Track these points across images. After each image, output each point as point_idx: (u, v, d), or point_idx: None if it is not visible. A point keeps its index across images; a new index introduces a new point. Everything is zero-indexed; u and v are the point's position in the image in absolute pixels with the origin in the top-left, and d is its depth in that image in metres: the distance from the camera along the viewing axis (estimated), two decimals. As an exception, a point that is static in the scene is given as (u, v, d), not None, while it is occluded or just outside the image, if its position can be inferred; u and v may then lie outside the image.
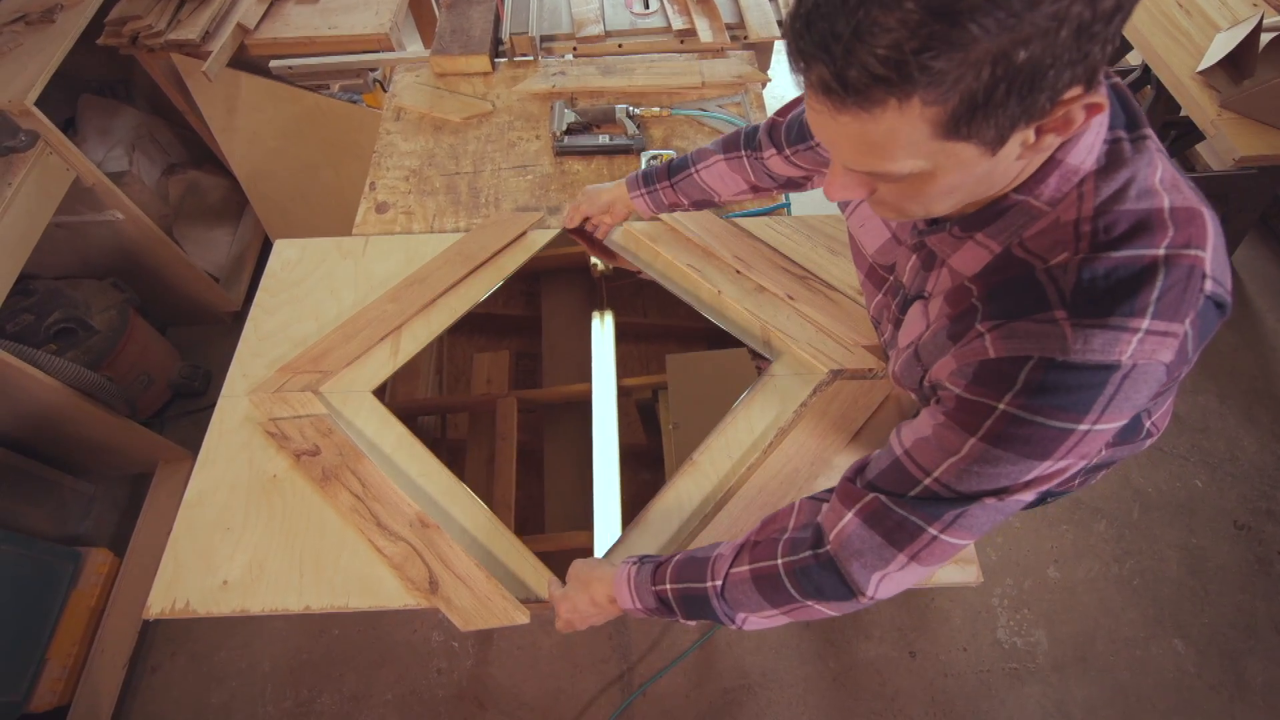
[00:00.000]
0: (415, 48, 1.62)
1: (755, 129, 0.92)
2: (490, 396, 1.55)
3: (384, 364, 1.00)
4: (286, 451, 0.91)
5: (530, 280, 1.07)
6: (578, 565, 0.79)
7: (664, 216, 1.13)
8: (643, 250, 1.12)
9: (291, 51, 1.60)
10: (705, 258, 1.10)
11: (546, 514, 0.90)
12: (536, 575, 0.84)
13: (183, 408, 1.97)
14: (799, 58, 0.43)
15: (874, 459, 0.63)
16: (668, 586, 0.69)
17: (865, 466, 0.64)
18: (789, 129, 0.86)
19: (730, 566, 0.67)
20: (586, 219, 1.12)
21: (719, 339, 1.77)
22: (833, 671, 1.56)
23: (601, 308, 1.15)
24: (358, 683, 1.56)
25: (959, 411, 0.55)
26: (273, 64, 1.56)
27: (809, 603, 0.63)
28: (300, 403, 0.95)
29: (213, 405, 0.98)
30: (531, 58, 1.47)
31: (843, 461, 0.88)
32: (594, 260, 1.17)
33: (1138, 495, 1.79)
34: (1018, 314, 0.52)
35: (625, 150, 1.28)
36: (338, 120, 1.72)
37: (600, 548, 0.89)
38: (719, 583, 0.67)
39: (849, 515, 0.61)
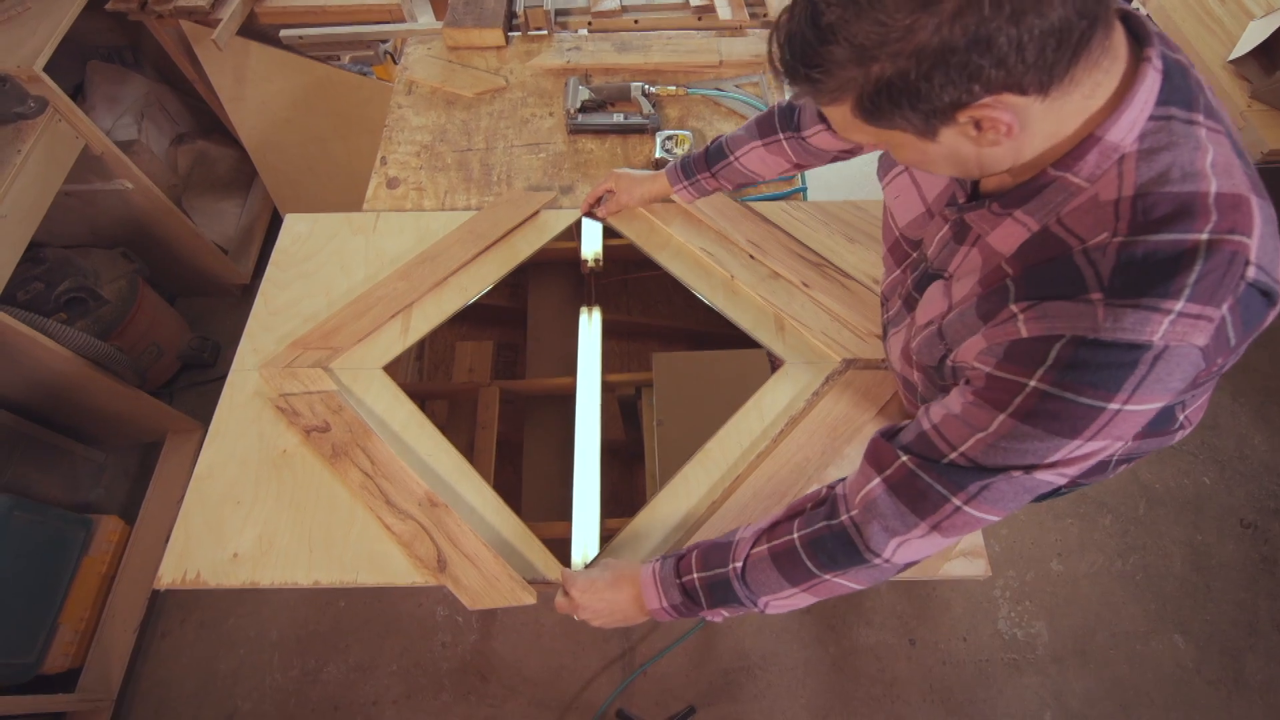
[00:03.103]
0: (427, 19, 1.59)
1: (792, 108, 0.89)
2: (472, 385, 1.56)
3: (394, 341, 1.00)
4: (296, 427, 0.91)
5: (516, 271, 1.07)
6: (611, 562, 0.79)
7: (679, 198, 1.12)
8: (655, 233, 1.11)
9: (302, 20, 1.57)
10: (719, 241, 1.08)
11: (523, 503, 0.91)
12: (544, 557, 0.84)
13: (191, 379, 1.98)
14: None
15: (904, 428, 0.64)
16: (693, 576, 0.69)
17: (897, 432, 0.64)
18: None
19: (751, 548, 0.67)
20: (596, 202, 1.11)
21: (702, 339, 1.78)
22: (832, 656, 1.58)
23: (590, 303, 1.15)
24: (363, 654, 1.58)
25: (989, 390, 0.55)
26: (283, 33, 1.54)
27: (827, 576, 0.63)
28: (311, 379, 0.95)
29: (221, 377, 0.98)
30: (546, 32, 1.44)
31: (854, 452, 0.88)
32: (585, 255, 1.16)
33: (1144, 490, 1.78)
34: (1052, 295, 0.51)
35: (640, 129, 1.26)
36: (348, 92, 1.70)
37: (578, 539, 0.89)
38: (739, 564, 0.67)
39: (876, 480, 0.61)
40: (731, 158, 0.96)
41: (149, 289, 1.81)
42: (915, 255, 0.73)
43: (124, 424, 1.72)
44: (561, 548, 0.86)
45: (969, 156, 0.51)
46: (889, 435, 0.64)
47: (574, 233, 1.15)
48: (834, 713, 1.52)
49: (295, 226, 1.13)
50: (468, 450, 0.92)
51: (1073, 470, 0.55)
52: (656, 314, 1.84)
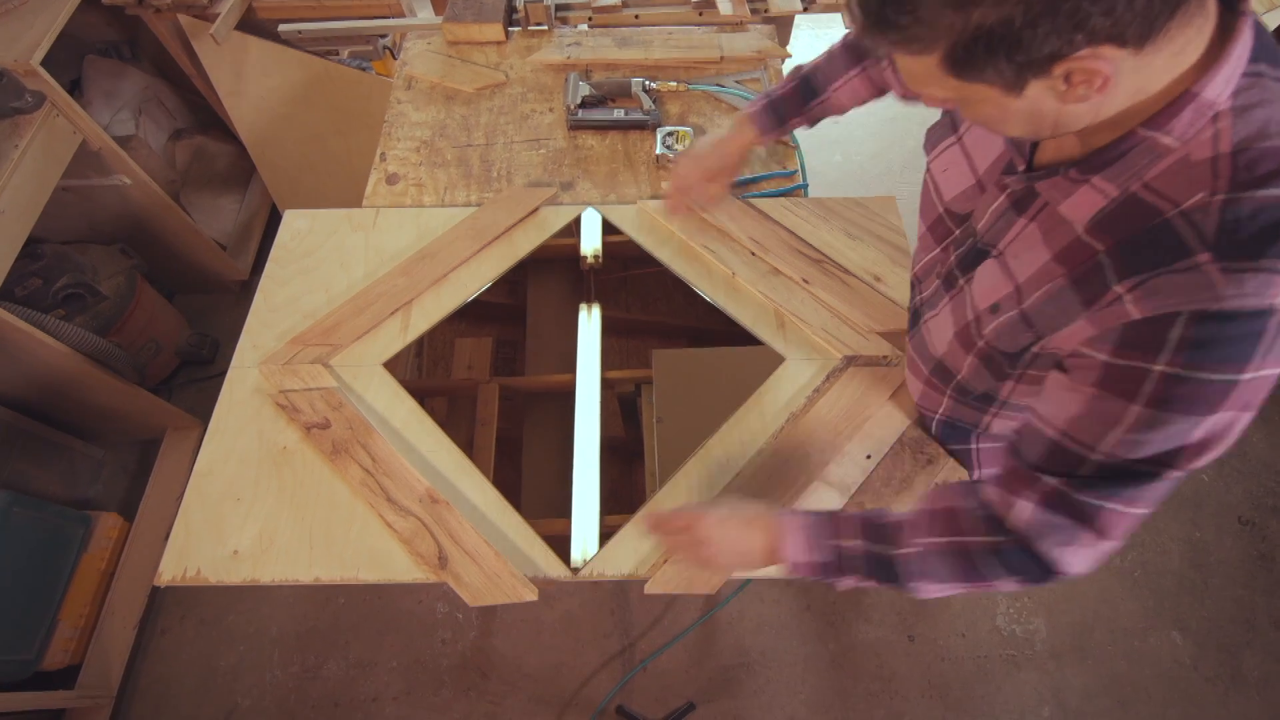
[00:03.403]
0: (426, 14, 1.58)
1: None
2: (471, 382, 1.56)
3: (395, 338, 1.00)
4: (297, 424, 0.91)
5: (515, 268, 1.07)
6: (735, 502, 0.75)
7: None
8: (656, 229, 1.11)
9: (300, 15, 1.56)
10: (720, 238, 1.08)
11: (523, 501, 0.90)
12: (545, 554, 0.84)
13: (190, 375, 1.97)
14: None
15: (1022, 443, 0.61)
16: (859, 543, 0.68)
17: (1017, 449, 0.62)
18: None
19: (919, 538, 0.66)
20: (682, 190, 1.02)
21: (701, 336, 1.78)
22: (831, 653, 1.58)
23: (590, 299, 1.14)
24: (363, 650, 1.59)
25: (1110, 380, 0.53)
26: (281, 28, 1.53)
27: (995, 582, 0.64)
28: (311, 375, 0.95)
29: (220, 374, 0.98)
30: (546, 27, 1.44)
31: (855, 449, 0.88)
32: (584, 252, 1.15)
33: (1143, 488, 1.79)
34: (1156, 267, 0.49)
35: (641, 125, 1.25)
36: (347, 88, 1.69)
37: (578, 536, 0.89)
38: (908, 550, 0.66)
39: (1023, 501, 0.60)
40: (827, 94, 0.92)
41: (147, 285, 1.81)
42: (960, 231, 0.71)
43: (123, 420, 1.72)
44: (561, 545, 0.86)
45: (1048, 114, 0.48)
46: (1016, 457, 0.61)
47: (573, 229, 1.15)
48: (833, 709, 1.52)
49: (295, 223, 1.12)
50: (467, 447, 0.92)
51: (1215, 448, 0.53)
52: (656, 311, 1.84)
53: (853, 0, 0.46)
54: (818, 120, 0.95)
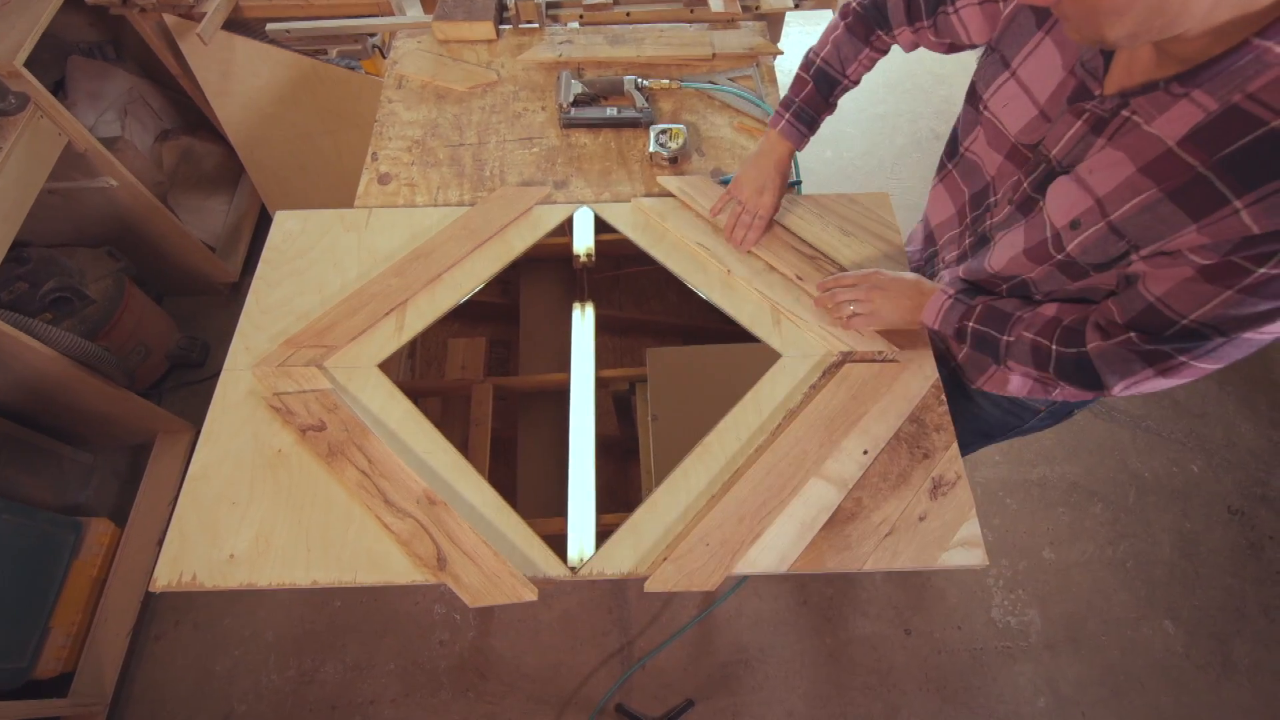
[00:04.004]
0: (415, 12, 1.57)
1: (880, 3, 0.88)
2: (465, 382, 1.55)
3: (389, 339, 0.99)
4: (291, 426, 0.90)
5: (508, 268, 1.07)
6: (911, 276, 0.91)
7: (675, 192, 1.12)
8: (650, 227, 1.10)
9: (288, 14, 1.55)
10: (715, 235, 1.08)
11: (518, 500, 0.91)
12: (543, 553, 0.84)
13: (181, 379, 1.95)
14: None
15: (1123, 301, 0.67)
16: (971, 324, 0.83)
17: (1118, 300, 0.68)
18: None
19: (1023, 331, 0.78)
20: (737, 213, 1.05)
21: (696, 334, 1.78)
22: (829, 647, 1.59)
23: (583, 298, 1.14)
24: (360, 653, 1.58)
25: (1215, 273, 0.57)
26: (269, 27, 1.52)
27: (1060, 382, 0.76)
28: (305, 377, 0.94)
29: (211, 377, 0.97)
30: (537, 25, 1.43)
31: (851, 444, 0.88)
32: (577, 250, 1.15)
33: (1134, 479, 1.81)
34: (1275, 178, 0.51)
35: (634, 123, 1.25)
36: (336, 87, 1.68)
37: (574, 535, 0.89)
38: (1011, 339, 0.79)
39: (1106, 343, 0.69)
40: (845, 79, 0.95)
41: (135, 288, 1.78)
42: (1032, 158, 0.74)
43: (112, 425, 1.70)
44: (557, 544, 0.86)
45: (1176, 6, 0.48)
46: (1108, 311, 0.69)
47: (566, 228, 1.14)
48: (831, 703, 1.53)
49: (286, 223, 1.11)
50: (462, 448, 0.92)
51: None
52: (650, 309, 1.84)
53: None
54: (836, 105, 1.00)
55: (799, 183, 1.20)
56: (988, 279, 0.85)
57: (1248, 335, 0.60)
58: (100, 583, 1.55)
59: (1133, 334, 0.66)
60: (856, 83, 0.97)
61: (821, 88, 0.96)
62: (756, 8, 1.44)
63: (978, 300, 0.84)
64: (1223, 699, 1.53)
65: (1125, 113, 0.62)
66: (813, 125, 0.99)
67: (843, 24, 0.92)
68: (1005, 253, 0.80)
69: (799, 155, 1.23)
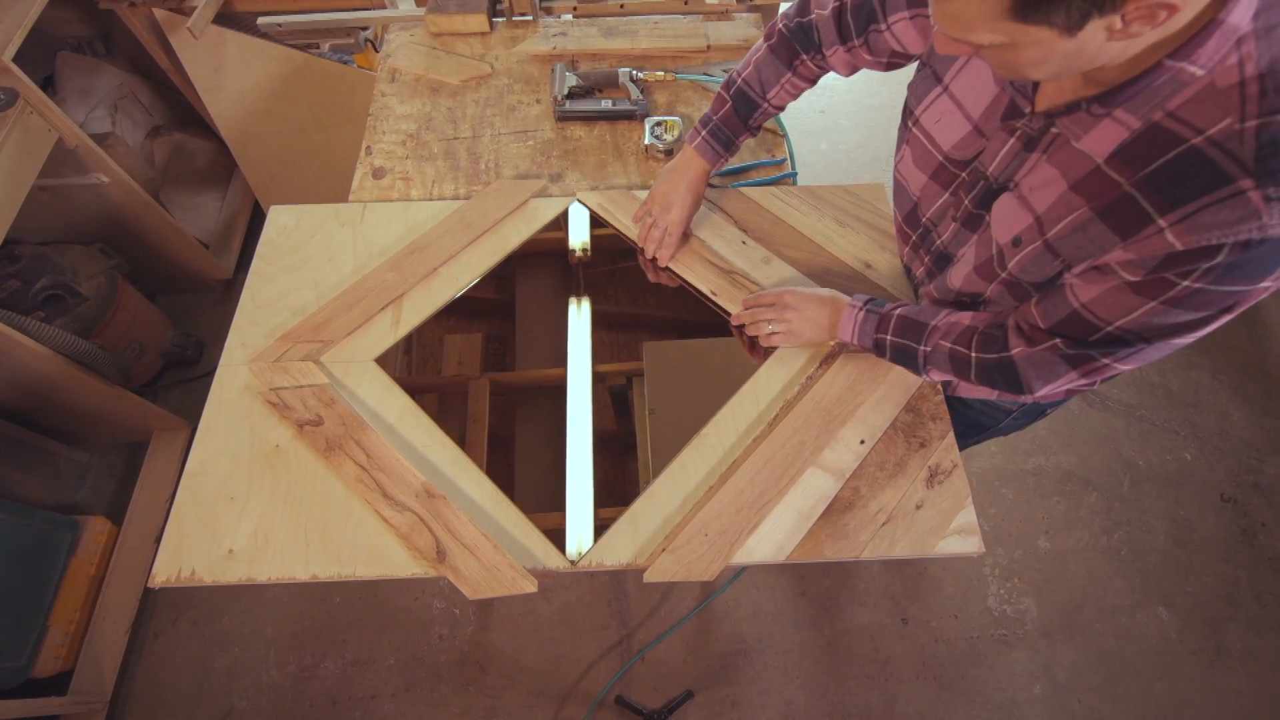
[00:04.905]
0: (408, 5, 1.56)
1: (807, 25, 0.85)
2: (462, 378, 1.55)
3: (386, 333, 0.99)
4: (289, 421, 0.90)
5: (504, 263, 1.06)
6: (812, 287, 0.93)
7: (594, 208, 1.12)
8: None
9: (279, 8, 1.54)
10: (711, 228, 1.08)
11: (516, 496, 0.90)
12: (543, 545, 0.84)
13: (176, 376, 1.95)
14: None
15: (1046, 305, 0.68)
16: (887, 337, 0.84)
17: (1040, 304, 0.69)
18: (857, 11, 0.80)
19: (939, 340, 0.79)
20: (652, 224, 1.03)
21: (692, 328, 1.78)
22: (827, 638, 1.60)
23: (579, 293, 1.14)
24: (360, 648, 1.58)
25: (1140, 287, 0.57)
26: (260, 21, 1.50)
27: (982, 386, 0.78)
28: (301, 372, 0.94)
29: (206, 374, 0.97)
30: (531, 17, 1.42)
31: (848, 434, 0.89)
32: (572, 245, 1.15)
33: (1129, 468, 1.82)
34: (1198, 197, 0.51)
35: (629, 116, 1.25)
36: (329, 81, 1.67)
37: (572, 529, 0.89)
38: (928, 349, 0.81)
39: (1032, 349, 0.70)
40: (765, 103, 0.92)
41: (129, 285, 1.78)
42: (966, 175, 0.74)
43: (108, 423, 1.69)
44: (555, 539, 0.86)
45: (1089, 52, 0.49)
46: (1030, 316, 0.70)
47: (561, 222, 1.14)
48: (829, 692, 1.54)
49: (280, 218, 1.11)
50: (459, 443, 0.93)
51: (1202, 330, 0.59)
52: (646, 304, 1.84)
53: None
54: (759, 129, 0.99)
55: (794, 174, 1.20)
56: (954, 298, 0.84)
57: (1173, 341, 0.61)
58: (98, 581, 1.54)
59: (1058, 339, 0.67)
60: (780, 108, 0.95)
61: (740, 109, 0.93)
62: (750, 0, 1.43)
63: (890, 309, 0.85)
64: (1216, 684, 1.55)
65: (1054, 130, 0.62)
66: (729, 146, 0.97)
67: (765, 45, 0.90)
68: (962, 270, 0.80)
69: (794, 146, 1.23)
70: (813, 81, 0.93)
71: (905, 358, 0.84)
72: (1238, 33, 0.48)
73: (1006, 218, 0.69)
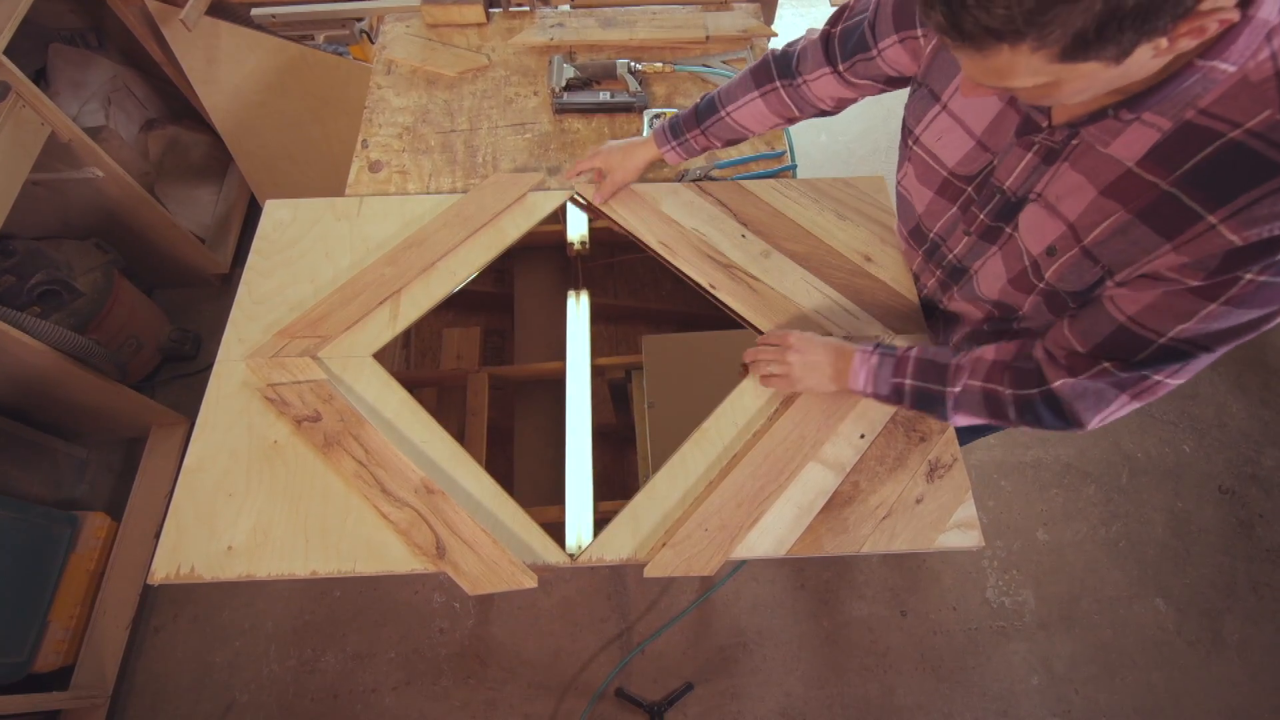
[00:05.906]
0: (404, -4, 1.54)
1: (789, 53, 0.87)
2: (461, 372, 1.55)
3: (384, 328, 0.98)
4: (287, 417, 0.90)
5: (501, 257, 1.06)
6: (816, 334, 0.88)
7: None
8: (644, 211, 1.09)
9: (273, -1, 1.52)
10: (710, 221, 1.07)
11: (516, 489, 0.91)
12: (541, 540, 0.84)
13: (173, 371, 1.94)
14: (922, 2, 0.47)
15: (1084, 325, 0.65)
16: (906, 381, 0.78)
17: (1078, 324, 0.65)
18: (845, 39, 0.81)
19: (968, 379, 0.74)
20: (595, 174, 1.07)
21: (691, 321, 1.77)
22: (826, 630, 1.61)
23: (578, 286, 1.14)
24: (361, 642, 1.59)
25: (1203, 288, 0.55)
26: (254, 12, 1.49)
27: (1025, 424, 0.71)
28: (299, 368, 0.93)
29: (204, 369, 0.97)
30: (528, 8, 1.41)
31: (848, 428, 0.88)
32: (571, 238, 1.14)
33: (1127, 460, 1.82)
34: (1245, 190, 0.51)
35: (627, 108, 1.24)
36: (324, 73, 1.65)
37: (572, 523, 0.89)
38: (956, 389, 0.75)
39: (1071, 377, 0.65)
40: (724, 112, 0.94)
41: (125, 280, 1.77)
42: (972, 190, 0.74)
43: (106, 419, 1.69)
44: (555, 532, 0.86)
45: (1134, 73, 0.49)
46: (1067, 342, 0.65)
47: (560, 216, 1.13)
48: (828, 684, 1.55)
49: (277, 213, 1.10)
50: (458, 438, 0.92)
51: (1264, 328, 0.57)
52: (645, 297, 1.83)
53: (977, 10, 0.44)
54: (727, 140, 0.99)
55: (794, 167, 1.19)
56: (985, 311, 0.83)
57: (1229, 345, 0.58)
58: (98, 576, 1.54)
59: (1105, 362, 0.63)
60: (743, 128, 0.95)
61: (701, 109, 0.96)
62: (750, -11, 1.42)
63: (904, 352, 0.80)
64: (1213, 674, 1.56)
65: (1076, 141, 0.62)
66: (680, 139, 0.98)
67: (748, 67, 0.93)
68: (994, 282, 0.78)
69: (794, 138, 1.22)
70: (784, 116, 0.93)
71: (929, 402, 0.78)
72: (1268, 26, 0.48)
73: (1037, 228, 0.67)
